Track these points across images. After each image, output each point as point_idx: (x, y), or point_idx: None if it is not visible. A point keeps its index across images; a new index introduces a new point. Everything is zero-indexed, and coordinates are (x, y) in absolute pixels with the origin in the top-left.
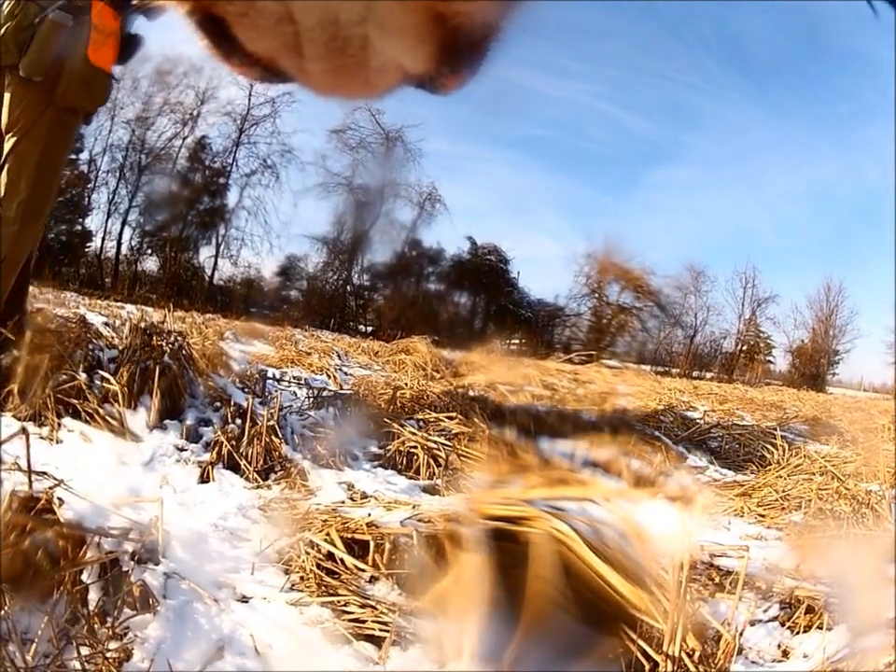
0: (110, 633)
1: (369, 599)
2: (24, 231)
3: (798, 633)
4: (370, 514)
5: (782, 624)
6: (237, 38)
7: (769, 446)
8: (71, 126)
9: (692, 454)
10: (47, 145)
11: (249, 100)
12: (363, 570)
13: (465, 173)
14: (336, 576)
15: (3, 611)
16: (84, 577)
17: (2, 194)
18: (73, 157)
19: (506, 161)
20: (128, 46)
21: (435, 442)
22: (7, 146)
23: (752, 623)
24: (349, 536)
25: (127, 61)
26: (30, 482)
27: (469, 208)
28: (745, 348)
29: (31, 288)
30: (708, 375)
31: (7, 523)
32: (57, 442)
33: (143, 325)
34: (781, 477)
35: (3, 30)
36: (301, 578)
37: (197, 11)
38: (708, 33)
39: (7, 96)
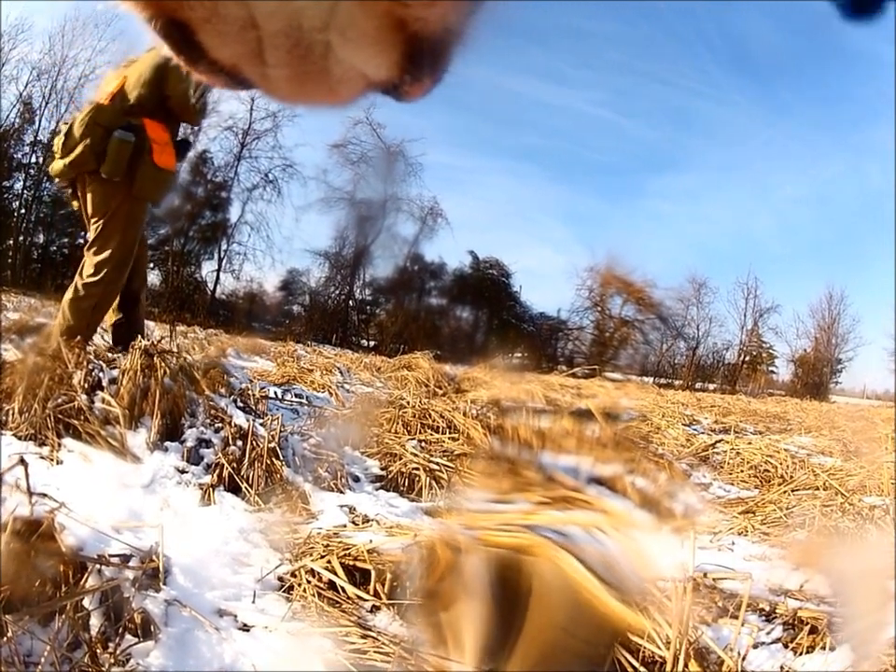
0: (112, 660)
1: (370, 630)
2: (110, 286)
3: (801, 654)
4: (371, 541)
5: (785, 646)
6: (202, 45)
7: (772, 460)
8: (143, 212)
9: (695, 469)
10: (125, 226)
11: (251, 114)
12: (365, 600)
13: (466, 184)
14: (337, 605)
15: (5, 637)
16: (85, 602)
17: (95, 263)
18: None
19: (507, 172)
20: (183, 147)
21: (437, 464)
22: (93, 228)
23: (755, 646)
24: (350, 563)
25: (183, 159)
26: (31, 509)
27: (471, 220)
28: (747, 359)
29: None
30: (711, 387)
31: (8, 550)
32: (57, 463)
33: (144, 344)
34: (785, 493)
35: (81, 147)
36: (303, 607)
37: (160, 16)
38: (711, 35)
39: (89, 194)
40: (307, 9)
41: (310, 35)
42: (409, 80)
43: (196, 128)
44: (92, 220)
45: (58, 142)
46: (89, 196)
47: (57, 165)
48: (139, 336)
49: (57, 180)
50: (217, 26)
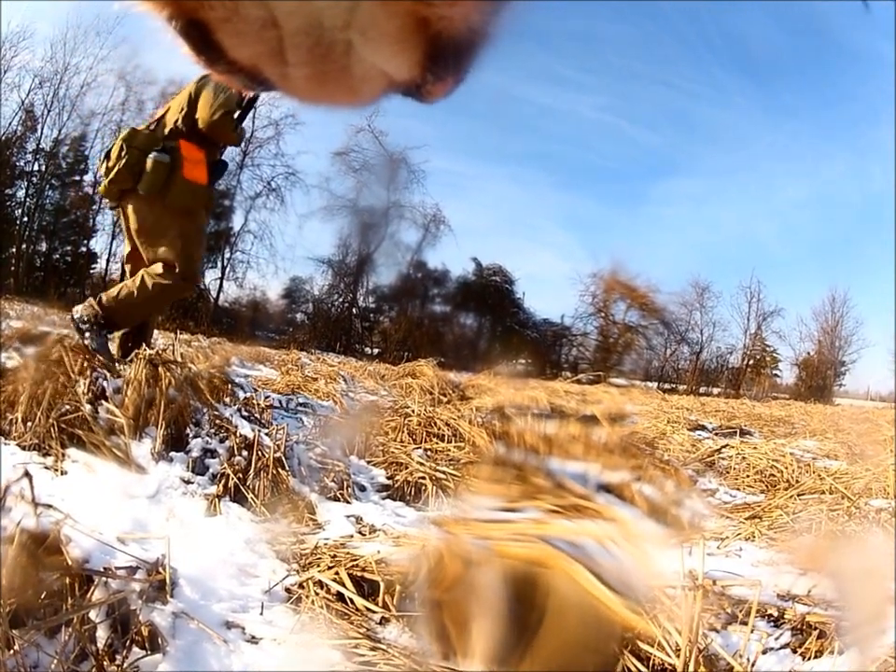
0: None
1: (379, 642)
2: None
3: (809, 658)
4: (378, 551)
5: (794, 651)
6: (221, 45)
7: (778, 465)
8: (186, 217)
9: (701, 475)
10: (166, 229)
11: (253, 122)
12: (373, 612)
13: (468, 191)
14: (346, 617)
15: (12, 650)
16: (92, 615)
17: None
18: (77, 179)
19: (510, 178)
20: (219, 167)
21: (444, 472)
22: (141, 244)
23: (764, 652)
24: (358, 573)
25: (219, 178)
26: (37, 521)
27: (474, 227)
28: (751, 363)
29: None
30: (715, 391)
31: (15, 563)
32: (62, 473)
33: (148, 354)
34: (791, 498)
35: (117, 168)
36: (311, 619)
37: (179, 17)
38: (713, 37)
39: (129, 207)
40: (328, 8)
41: (331, 33)
42: (431, 80)
43: (237, 147)
44: (138, 235)
45: (102, 166)
46: (130, 212)
47: (102, 187)
48: (148, 329)
49: (107, 201)
50: (237, 26)
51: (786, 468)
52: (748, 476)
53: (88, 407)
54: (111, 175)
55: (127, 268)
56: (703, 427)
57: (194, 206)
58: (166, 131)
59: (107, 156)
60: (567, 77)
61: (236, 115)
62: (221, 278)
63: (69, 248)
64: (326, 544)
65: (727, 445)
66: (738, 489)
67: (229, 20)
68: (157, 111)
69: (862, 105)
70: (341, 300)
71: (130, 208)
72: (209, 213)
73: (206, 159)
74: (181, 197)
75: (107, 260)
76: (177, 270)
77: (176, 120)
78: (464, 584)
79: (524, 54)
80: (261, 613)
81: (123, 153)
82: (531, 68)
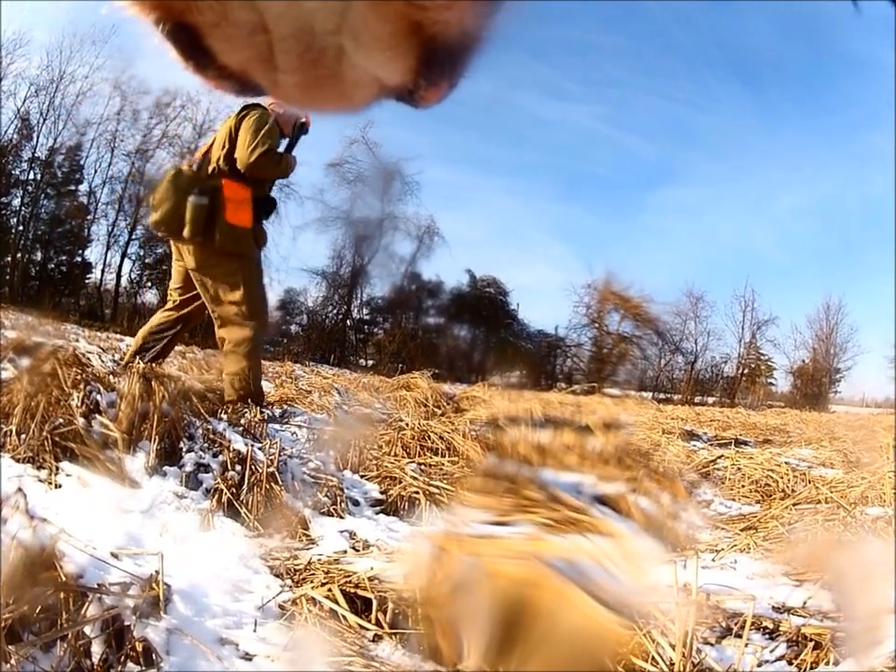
0: None
1: (373, 660)
2: (253, 326)
3: (805, 670)
4: (372, 567)
5: (789, 663)
6: (210, 49)
7: (773, 474)
8: (237, 260)
9: (696, 486)
10: (223, 272)
11: None
12: (366, 629)
13: (464, 202)
14: (339, 634)
15: (7, 665)
16: (87, 630)
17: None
18: (72, 188)
19: (505, 189)
20: (267, 204)
21: (437, 487)
22: (198, 281)
23: (759, 664)
24: (352, 590)
25: (269, 216)
26: (32, 536)
27: (468, 238)
28: (746, 371)
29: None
30: (710, 400)
31: (11, 578)
32: (56, 487)
33: (142, 368)
34: (787, 508)
35: (161, 210)
36: (305, 636)
37: (168, 20)
38: (709, 45)
39: (182, 247)
40: (318, 12)
41: (322, 38)
42: (424, 85)
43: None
44: (195, 272)
45: (150, 197)
46: (184, 251)
47: (152, 220)
48: (160, 357)
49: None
50: (226, 30)
51: (781, 477)
52: (743, 486)
53: (81, 420)
54: (159, 216)
55: (173, 295)
56: (698, 437)
57: (239, 251)
58: (210, 168)
59: (154, 189)
60: (561, 87)
61: (285, 144)
62: None
63: (64, 258)
64: (319, 560)
65: (722, 455)
66: (734, 500)
67: (217, 24)
68: (206, 144)
69: (862, 112)
70: (335, 311)
71: (183, 248)
72: (260, 250)
73: (253, 194)
74: (225, 241)
75: (102, 271)
76: (246, 313)
77: (219, 158)
78: (456, 603)
79: (518, 64)
80: (255, 630)
81: (168, 195)
82: (525, 78)
